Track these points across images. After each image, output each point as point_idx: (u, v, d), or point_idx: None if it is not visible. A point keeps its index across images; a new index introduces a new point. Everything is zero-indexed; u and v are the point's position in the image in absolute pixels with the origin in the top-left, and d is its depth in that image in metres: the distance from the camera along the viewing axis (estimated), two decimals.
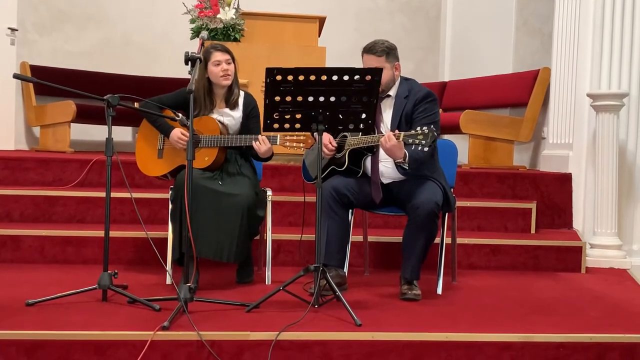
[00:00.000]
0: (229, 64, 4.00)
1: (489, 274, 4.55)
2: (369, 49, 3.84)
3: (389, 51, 3.83)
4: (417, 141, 3.42)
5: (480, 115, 6.35)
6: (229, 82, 4.03)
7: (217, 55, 3.98)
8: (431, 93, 3.87)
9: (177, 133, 3.97)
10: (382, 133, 3.83)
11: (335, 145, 3.83)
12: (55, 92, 6.91)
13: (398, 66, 3.89)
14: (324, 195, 3.72)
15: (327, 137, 3.79)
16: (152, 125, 4.07)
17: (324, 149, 3.78)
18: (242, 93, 4.16)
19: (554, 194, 5.46)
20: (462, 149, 5.76)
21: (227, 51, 4.03)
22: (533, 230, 5.17)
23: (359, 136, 3.74)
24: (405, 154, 3.59)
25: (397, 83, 3.90)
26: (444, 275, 3.98)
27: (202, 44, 3.68)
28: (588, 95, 5.15)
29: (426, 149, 3.43)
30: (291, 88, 3.35)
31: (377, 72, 3.40)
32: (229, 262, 3.87)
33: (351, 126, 3.50)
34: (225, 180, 3.96)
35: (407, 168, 3.70)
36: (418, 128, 3.46)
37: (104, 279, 3.44)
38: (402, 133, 3.49)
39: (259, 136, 3.86)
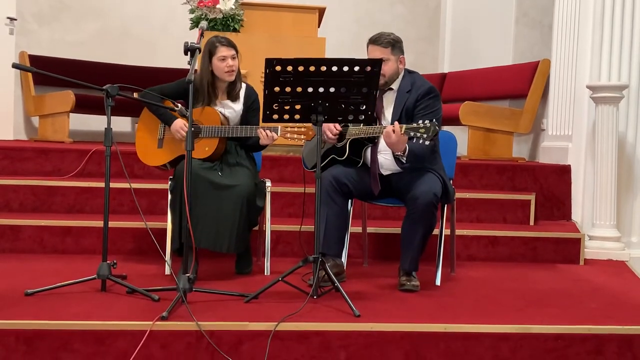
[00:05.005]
0: (234, 59, 3.99)
1: (488, 266, 4.56)
2: (374, 40, 3.83)
3: (394, 43, 3.83)
4: (418, 134, 3.42)
5: (479, 107, 6.34)
6: (233, 78, 4.02)
7: (223, 51, 3.96)
8: (433, 89, 3.86)
9: (180, 123, 3.96)
10: (383, 125, 3.84)
11: (340, 129, 3.82)
12: (54, 82, 6.87)
13: (403, 59, 3.88)
14: (324, 183, 3.72)
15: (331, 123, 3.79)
16: (153, 114, 4.06)
17: (328, 132, 3.78)
18: (244, 85, 4.15)
19: (553, 186, 5.47)
20: (462, 141, 5.75)
21: (233, 45, 4.01)
22: (532, 222, 5.17)
23: (361, 126, 3.74)
24: (405, 148, 3.59)
25: (400, 76, 3.90)
26: (443, 266, 3.98)
27: (202, 34, 3.66)
28: (588, 87, 5.15)
29: (427, 142, 3.43)
30: (291, 79, 3.35)
31: (376, 63, 3.40)
32: (228, 253, 3.87)
33: (351, 117, 3.50)
34: (225, 170, 3.96)
35: (404, 162, 3.70)
36: (420, 122, 3.46)
37: (103, 269, 3.45)
38: (404, 126, 3.48)
39: (265, 130, 3.84)
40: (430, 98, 3.82)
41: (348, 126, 3.84)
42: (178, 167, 3.89)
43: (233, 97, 4.09)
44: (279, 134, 3.82)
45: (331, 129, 3.79)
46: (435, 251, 4.00)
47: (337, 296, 3.36)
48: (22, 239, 4.41)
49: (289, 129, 3.75)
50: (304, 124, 3.68)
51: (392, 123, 3.78)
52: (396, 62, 3.84)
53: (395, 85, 3.89)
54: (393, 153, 3.71)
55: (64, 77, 3.65)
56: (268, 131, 3.83)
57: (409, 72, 3.94)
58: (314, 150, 3.91)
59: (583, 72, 5.35)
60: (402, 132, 3.48)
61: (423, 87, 3.84)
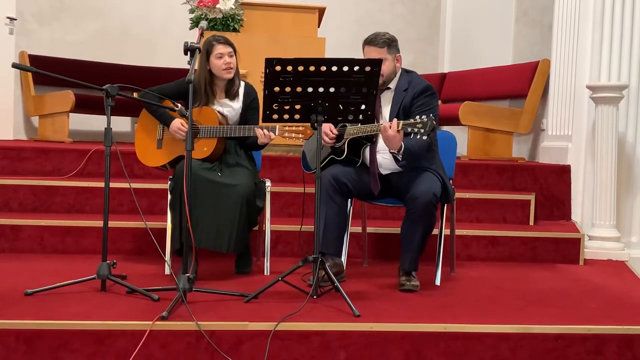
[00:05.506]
0: (231, 56, 3.99)
1: (488, 265, 4.56)
2: (370, 41, 3.84)
3: (390, 43, 3.83)
4: (415, 130, 3.43)
5: (479, 107, 6.34)
6: (231, 75, 4.02)
7: (220, 48, 3.97)
8: (430, 87, 3.86)
9: (177, 123, 3.96)
10: (380, 124, 3.84)
11: (336, 133, 3.82)
12: (54, 82, 6.87)
13: (399, 58, 3.89)
14: (323, 183, 3.72)
15: (327, 125, 3.79)
16: (152, 115, 4.06)
17: (325, 137, 3.78)
18: (242, 84, 4.15)
19: (552, 186, 5.47)
20: (461, 141, 5.76)
21: (229, 43, 4.01)
22: (532, 222, 5.18)
23: (359, 125, 3.74)
24: (401, 146, 3.59)
25: (397, 75, 3.90)
26: (443, 266, 3.98)
27: (202, 34, 3.66)
28: (587, 87, 5.14)
29: (425, 137, 3.43)
30: (290, 79, 3.35)
31: (376, 63, 3.40)
32: (227, 253, 3.87)
33: (350, 117, 3.50)
34: (224, 171, 3.96)
35: (400, 159, 3.70)
36: (417, 117, 3.47)
37: (102, 269, 3.45)
38: (402, 122, 3.49)
39: (263, 130, 3.84)
40: (427, 96, 3.83)
41: (346, 126, 3.84)
42: (178, 167, 3.89)
43: (232, 96, 4.09)
44: (276, 133, 3.82)
45: (327, 133, 3.79)
46: (435, 251, 4.00)
47: (337, 296, 3.36)
48: (22, 239, 4.41)
49: (287, 128, 3.75)
50: (302, 123, 3.68)
51: (390, 122, 3.79)
52: (393, 61, 3.85)
53: (392, 85, 3.89)
54: (389, 150, 3.70)
55: (64, 77, 3.65)
56: (266, 130, 3.83)
57: (406, 72, 3.94)
58: (314, 152, 3.91)
59: (583, 72, 5.35)
60: (400, 128, 3.48)
61: (420, 86, 3.85)
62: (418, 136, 3.45)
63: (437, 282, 3.91)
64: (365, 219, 4.45)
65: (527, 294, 3.80)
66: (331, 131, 3.80)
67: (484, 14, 7.70)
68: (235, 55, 4.03)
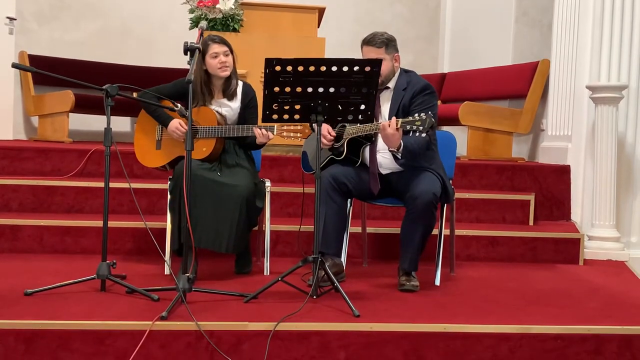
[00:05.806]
0: (227, 55, 3.99)
1: (487, 266, 4.56)
2: (368, 41, 3.84)
3: (388, 42, 3.83)
4: (414, 127, 3.43)
5: (479, 107, 6.34)
6: (227, 74, 4.02)
7: (215, 47, 3.97)
8: (429, 85, 3.87)
9: (175, 123, 3.96)
10: (379, 122, 3.84)
11: (334, 135, 3.83)
12: (54, 82, 6.87)
13: (397, 57, 3.89)
14: (323, 183, 3.72)
15: (325, 127, 3.79)
16: (150, 115, 4.06)
17: (323, 139, 3.78)
18: (240, 83, 4.15)
19: (552, 186, 5.47)
20: (461, 141, 5.76)
21: (225, 42, 4.01)
22: (531, 222, 5.18)
23: (358, 125, 3.74)
24: (400, 144, 3.60)
25: (396, 75, 3.90)
26: (442, 266, 3.98)
27: (201, 34, 3.66)
28: (587, 87, 5.14)
29: (424, 134, 3.43)
30: (290, 79, 3.35)
31: (376, 63, 3.40)
32: (227, 253, 3.87)
33: (350, 117, 3.49)
34: (224, 171, 3.96)
35: (400, 158, 3.71)
36: (416, 115, 3.47)
37: (102, 269, 3.44)
38: (400, 120, 3.49)
39: (261, 129, 3.84)
40: (426, 94, 3.83)
41: (345, 126, 3.83)
42: (177, 168, 3.89)
43: (229, 96, 4.08)
44: (274, 133, 3.82)
45: (325, 136, 3.79)
46: (435, 251, 4.00)
47: (336, 296, 3.36)
48: (21, 239, 4.41)
49: (285, 127, 3.75)
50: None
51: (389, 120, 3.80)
52: (391, 61, 3.85)
53: (391, 84, 3.89)
54: (388, 149, 3.70)
55: (63, 77, 3.65)
56: (264, 130, 3.83)
57: (405, 71, 3.94)
58: (314, 153, 3.91)
59: (583, 72, 5.35)
60: (399, 125, 3.48)
61: (419, 84, 3.85)
62: (417, 134, 3.44)
63: (437, 282, 3.91)
64: (365, 219, 4.45)
65: (526, 294, 3.80)
66: (329, 133, 3.80)
67: (483, 14, 7.70)
68: (232, 54, 4.03)
